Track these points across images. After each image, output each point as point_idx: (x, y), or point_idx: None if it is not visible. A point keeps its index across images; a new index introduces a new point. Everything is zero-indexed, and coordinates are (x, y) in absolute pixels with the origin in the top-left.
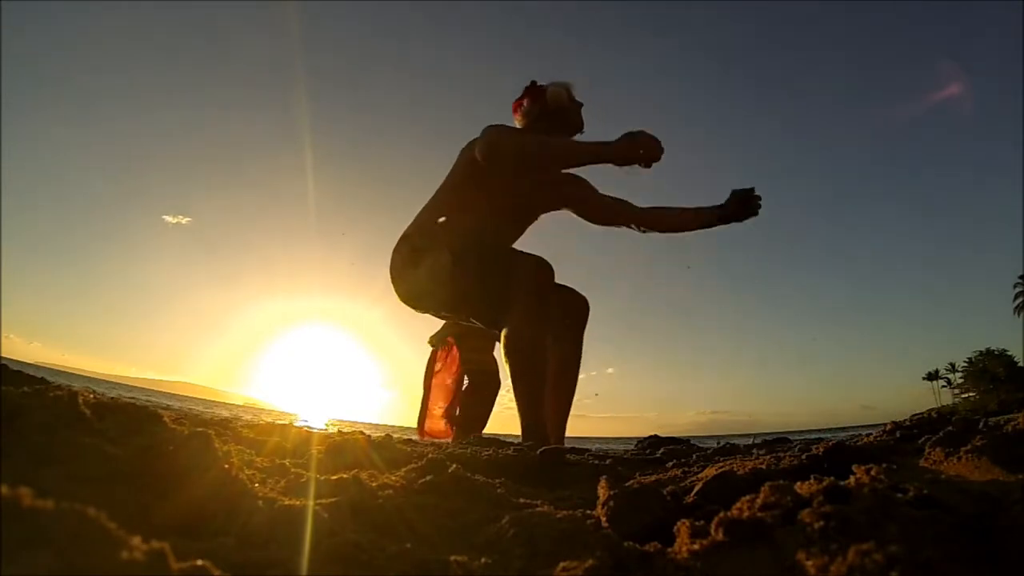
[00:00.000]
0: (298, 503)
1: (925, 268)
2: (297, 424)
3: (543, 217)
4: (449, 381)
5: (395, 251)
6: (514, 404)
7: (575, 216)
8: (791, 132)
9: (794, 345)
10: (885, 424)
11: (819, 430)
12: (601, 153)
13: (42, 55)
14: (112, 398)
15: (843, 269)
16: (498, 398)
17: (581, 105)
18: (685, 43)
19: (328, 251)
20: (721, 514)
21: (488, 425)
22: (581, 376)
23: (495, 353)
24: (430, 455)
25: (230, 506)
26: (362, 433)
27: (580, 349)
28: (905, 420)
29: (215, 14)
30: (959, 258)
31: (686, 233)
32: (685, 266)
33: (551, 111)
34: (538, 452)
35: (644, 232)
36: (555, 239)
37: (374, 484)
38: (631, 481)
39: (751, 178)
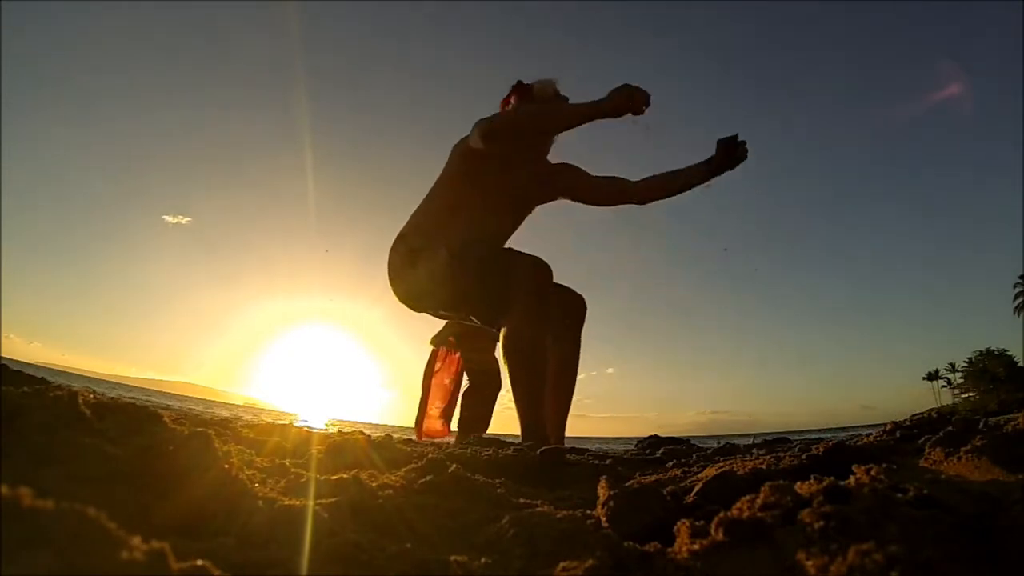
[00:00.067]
0: (298, 503)
1: (925, 268)
2: (297, 424)
3: (542, 217)
4: (447, 381)
5: (392, 251)
6: (514, 404)
7: (573, 203)
8: (791, 132)
9: (794, 345)
10: (885, 424)
11: (819, 430)
12: (595, 111)
13: (42, 55)
14: (112, 398)
15: (843, 269)
16: (498, 398)
17: (567, 100)
18: (685, 43)
19: (329, 250)
20: (721, 514)
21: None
22: (581, 376)
23: (496, 353)
24: (430, 455)
25: (230, 506)
26: (362, 433)
27: (579, 349)
28: (905, 420)
29: (215, 14)
30: (959, 258)
31: (684, 193)
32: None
33: None
34: (538, 452)
35: (644, 204)
36: (555, 239)
37: (374, 484)
38: (631, 481)
39: (752, 178)
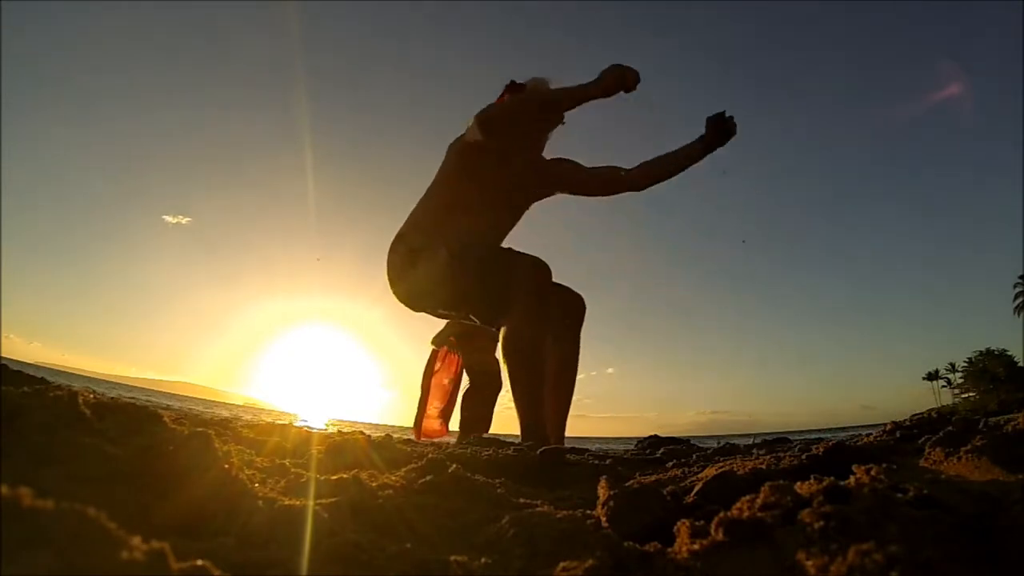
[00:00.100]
0: (298, 503)
1: (925, 268)
2: (297, 424)
3: (543, 216)
4: (446, 381)
5: (391, 251)
6: (514, 404)
7: (573, 200)
8: (791, 132)
9: (794, 345)
10: (885, 424)
11: (819, 430)
12: (587, 92)
13: (42, 55)
14: (112, 398)
15: (843, 269)
16: (498, 398)
17: None
18: (685, 43)
19: (328, 251)
20: (721, 514)
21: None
22: (581, 376)
23: (496, 353)
24: (430, 455)
25: (230, 506)
26: (362, 433)
27: (579, 348)
28: (905, 420)
29: (215, 14)
30: (959, 258)
31: (681, 174)
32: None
33: None
34: (538, 452)
35: (642, 190)
36: (555, 239)
37: (374, 484)
38: (631, 481)
39: (752, 178)
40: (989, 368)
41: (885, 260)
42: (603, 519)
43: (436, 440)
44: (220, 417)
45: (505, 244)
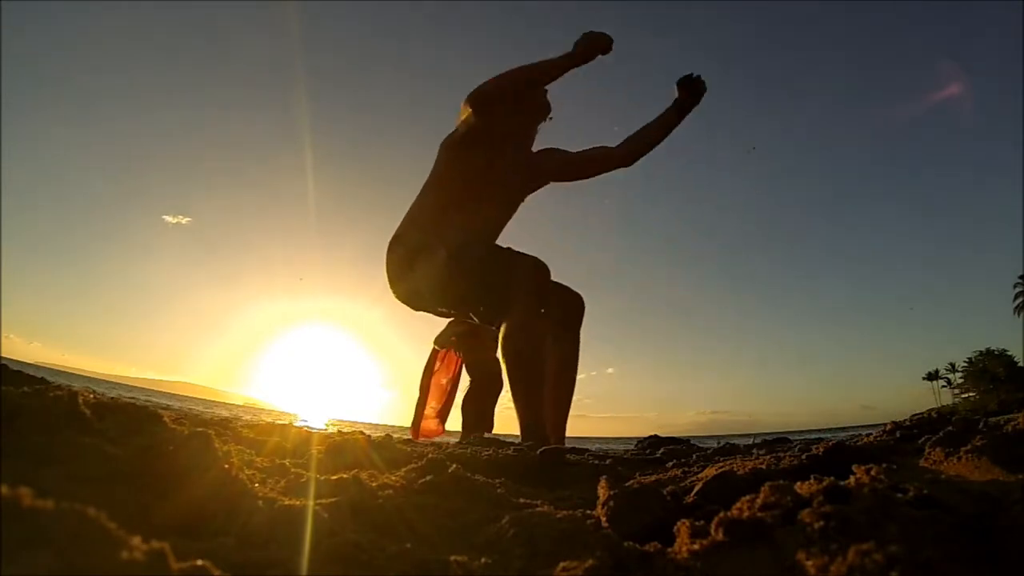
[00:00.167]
0: (298, 503)
1: (925, 268)
2: (297, 424)
3: (543, 216)
4: (444, 381)
5: (389, 252)
6: (513, 404)
7: (573, 194)
8: (791, 132)
9: (794, 345)
10: (885, 424)
11: (819, 430)
12: (570, 60)
13: (42, 55)
14: (112, 398)
15: (843, 269)
16: (499, 398)
17: (546, 89)
18: (685, 43)
19: (328, 251)
20: (721, 514)
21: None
22: (581, 376)
23: (496, 354)
24: (430, 455)
25: (230, 506)
26: (362, 433)
27: (579, 348)
28: (905, 420)
29: (215, 14)
30: (959, 258)
31: (663, 143)
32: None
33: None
34: (538, 452)
35: (631, 164)
36: (555, 239)
37: (374, 484)
38: (631, 481)
39: (752, 178)
40: (989, 368)
41: (885, 260)
42: (603, 519)
43: (435, 440)
44: (220, 417)
45: (501, 239)
